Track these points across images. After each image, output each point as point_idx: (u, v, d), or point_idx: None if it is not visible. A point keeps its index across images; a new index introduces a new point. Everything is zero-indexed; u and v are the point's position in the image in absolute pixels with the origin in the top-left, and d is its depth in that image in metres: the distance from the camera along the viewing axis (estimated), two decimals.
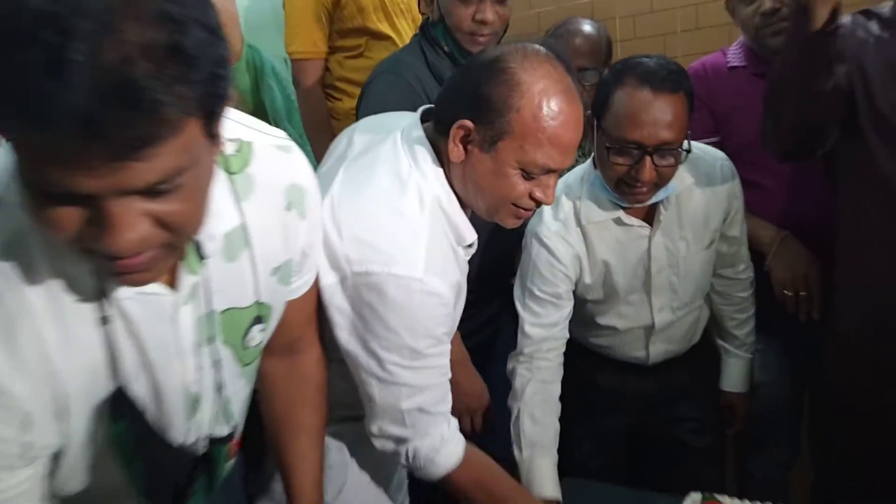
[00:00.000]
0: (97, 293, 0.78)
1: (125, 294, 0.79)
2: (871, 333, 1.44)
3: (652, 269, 1.57)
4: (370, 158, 1.17)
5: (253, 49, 2.13)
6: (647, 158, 1.38)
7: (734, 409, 1.78)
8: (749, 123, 1.61)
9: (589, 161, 1.58)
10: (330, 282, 1.10)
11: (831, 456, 1.59)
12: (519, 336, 1.56)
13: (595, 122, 1.46)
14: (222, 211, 0.86)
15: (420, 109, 1.22)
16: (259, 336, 0.98)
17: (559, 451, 1.48)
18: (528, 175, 1.09)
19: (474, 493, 1.22)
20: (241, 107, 2.18)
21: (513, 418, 1.50)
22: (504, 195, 1.11)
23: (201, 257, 0.85)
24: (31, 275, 0.73)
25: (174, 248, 0.73)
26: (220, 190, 0.83)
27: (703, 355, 1.76)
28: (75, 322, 0.77)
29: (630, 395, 1.72)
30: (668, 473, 1.71)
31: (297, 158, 0.97)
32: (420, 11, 1.92)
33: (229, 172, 0.88)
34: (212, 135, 0.69)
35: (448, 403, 1.21)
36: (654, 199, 1.49)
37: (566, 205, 1.55)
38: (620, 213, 1.52)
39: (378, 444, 1.19)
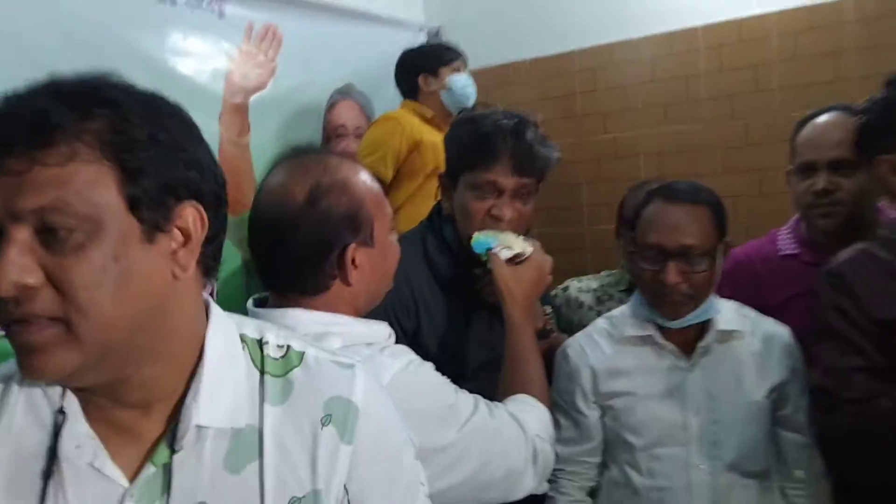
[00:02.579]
0: (49, 450, 0.71)
1: (75, 460, 0.71)
2: None
3: (689, 409, 1.44)
4: None
5: None
6: (670, 262, 1.39)
7: None
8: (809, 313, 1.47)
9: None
10: None
11: None
12: None
13: (628, 241, 1.51)
14: (239, 406, 0.76)
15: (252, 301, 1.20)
16: None
17: None
18: (392, 230, 1.20)
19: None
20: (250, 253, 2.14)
21: None
22: (395, 261, 1.21)
23: (173, 449, 0.72)
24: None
25: (71, 332, 0.65)
26: (244, 384, 0.77)
27: None
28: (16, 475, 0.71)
29: None
30: None
31: (361, 378, 0.83)
32: (436, 196, 1.79)
33: (264, 372, 0.79)
34: (141, 218, 0.67)
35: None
36: (693, 318, 1.43)
37: (600, 321, 1.57)
38: (654, 332, 1.47)
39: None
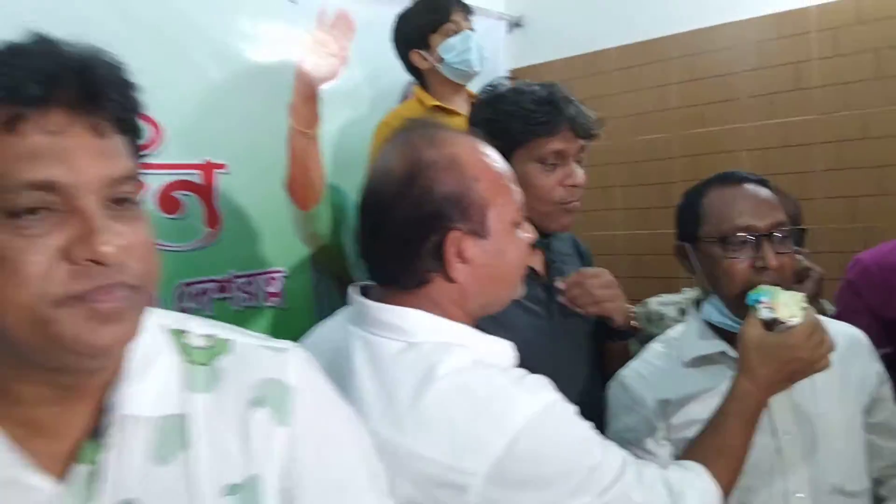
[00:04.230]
0: None
1: None
2: None
3: (778, 430, 1.27)
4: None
5: (335, 189, 1.99)
6: (766, 243, 1.26)
7: None
8: None
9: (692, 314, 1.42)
10: None
11: None
12: None
13: (689, 249, 1.36)
14: (161, 394, 0.74)
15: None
16: None
17: None
18: (518, 224, 1.06)
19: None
20: (319, 248, 2.05)
21: None
22: (518, 262, 1.06)
23: (99, 444, 0.69)
24: None
25: (139, 297, 0.67)
26: (165, 373, 0.75)
27: None
28: None
29: None
30: None
31: (293, 360, 0.81)
32: None
33: (188, 362, 0.77)
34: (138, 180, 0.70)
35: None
36: None
37: (655, 345, 1.42)
38: (726, 347, 1.30)
39: None
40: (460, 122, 1.58)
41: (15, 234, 0.61)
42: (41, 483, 0.67)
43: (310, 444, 0.78)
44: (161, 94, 1.56)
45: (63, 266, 0.62)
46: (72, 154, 0.63)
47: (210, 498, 0.73)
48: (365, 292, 1.05)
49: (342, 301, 1.13)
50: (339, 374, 0.97)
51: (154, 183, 1.89)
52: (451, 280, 0.98)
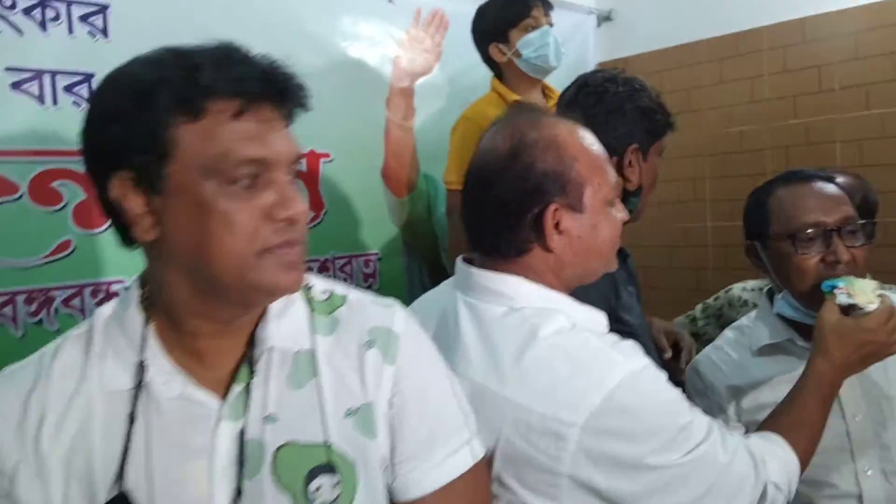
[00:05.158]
0: (135, 392, 0.83)
1: (166, 394, 0.83)
2: None
3: (847, 412, 1.31)
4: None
5: (427, 178, 2.10)
6: (836, 237, 1.29)
7: None
8: None
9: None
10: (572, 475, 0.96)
11: None
12: None
13: (759, 247, 1.40)
14: (295, 334, 0.90)
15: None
16: (330, 491, 0.86)
17: None
18: (612, 203, 1.12)
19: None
20: (411, 233, 2.18)
21: None
22: (611, 237, 1.11)
23: (252, 370, 0.86)
24: (79, 370, 0.84)
25: (304, 250, 0.84)
26: (298, 317, 0.91)
27: None
28: (101, 419, 0.83)
29: None
30: None
31: (399, 313, 0.97)
32: None
33: (313, 311, 0.93)
34: None
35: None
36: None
37: (728, 333, 1.47)
38: (794, 335, 1.36)
39: None
40: None
41: (232, 198, 0.78)
42: (207, 399, 0.84)
43: (411, 380, 0.92)
44: None
45: (266, 224, 0.79)
46: (274, 138, 0.80)
47: (335, 418, 0.88)
48: (469, 264, 1.14)
49: (432, 283, 1.23)
50: (446, 333, 1.08)
51: None
52: (548, 250, 1.06)
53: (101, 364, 0.85)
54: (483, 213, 1.09)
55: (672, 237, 2.98)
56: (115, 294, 1.52)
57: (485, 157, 1.10)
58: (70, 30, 1.45)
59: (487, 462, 0.98)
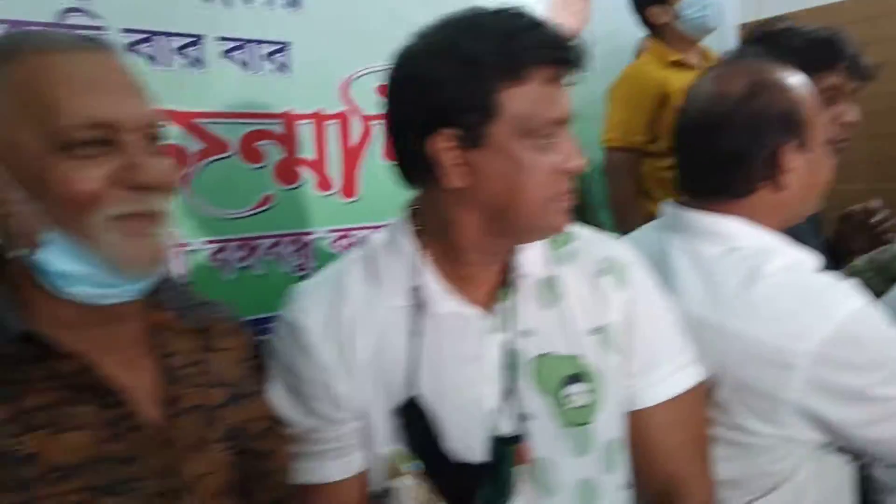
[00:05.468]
0: (413, 309, 0.98)
1: (441, 310, 0.98)
2: None
3: None
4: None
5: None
6: None
7: None
8: None
9: None
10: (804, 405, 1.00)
11: None
12: None
13: None
14: (538, 262, 1.04)
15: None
16: (581, 398, 0.99)
17: None
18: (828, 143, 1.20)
19: None
20: None
21: None
22: (827, 177, 1.17)
23: (508, 291, 1.01)
24: (366, 288, 1.00)
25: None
26: (541, 250, 1.05)
27: None
28: (389, 332, 0.98)
29: None
30: None
31: (622, 245, 1.11)
32: None
33: (551, 247, 1.06)
34: None
35: None
36: None
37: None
38: None
39: None
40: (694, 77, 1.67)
41: (537, 154, 0.90)
42: (475, 313, 1.01)
43: (641, 304, 1.06)
44: None
45: (554, 177, 0.92)
46: (565, 100, 0.92)
47: (582, 334, 1.02)
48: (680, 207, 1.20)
49: None
50: (655, 271, 1.14)
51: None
52: (779, 190, 1.11)
53: (382, 284, 0.99)
54: (709, 155, 1.13)
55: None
56: (307, 245, 1.67)
57: (713, 99, 1.13)
58: (269, 1, 1.58)
59: (705, 387, 1.04)
